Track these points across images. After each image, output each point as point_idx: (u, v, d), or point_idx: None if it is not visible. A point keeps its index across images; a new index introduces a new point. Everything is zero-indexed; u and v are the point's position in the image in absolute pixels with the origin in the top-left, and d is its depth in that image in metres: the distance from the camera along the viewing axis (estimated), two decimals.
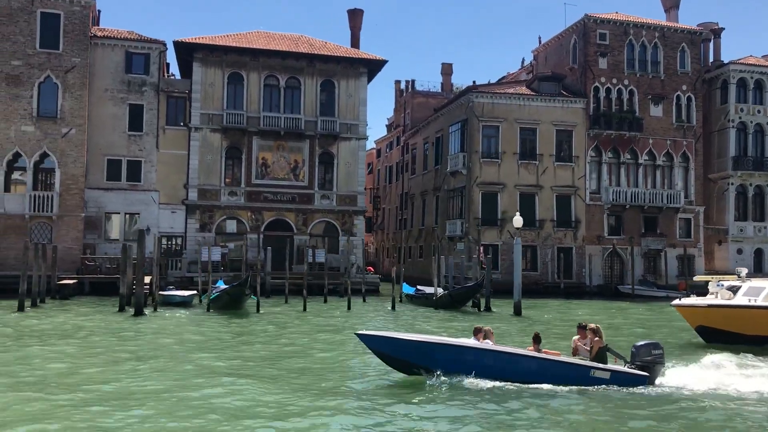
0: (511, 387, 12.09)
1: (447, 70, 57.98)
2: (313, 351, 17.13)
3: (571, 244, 43.43)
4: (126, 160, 39.74)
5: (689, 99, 46.19)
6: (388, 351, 12.95)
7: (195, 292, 30.72)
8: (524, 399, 11.49)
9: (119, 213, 39.59)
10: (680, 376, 13.51)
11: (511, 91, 44.41)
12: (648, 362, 12.70)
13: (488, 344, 13.02)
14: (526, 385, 12.16)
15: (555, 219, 43.26)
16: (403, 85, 60.45)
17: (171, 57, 63.16)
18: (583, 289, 42.50)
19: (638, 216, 44.59)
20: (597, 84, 44.48)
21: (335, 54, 43.07)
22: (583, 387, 12.26)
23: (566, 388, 12.16)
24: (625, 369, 12.78)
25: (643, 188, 44.57)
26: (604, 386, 12.35)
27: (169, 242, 40.27)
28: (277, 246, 38.74)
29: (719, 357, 15.76)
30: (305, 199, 42.24)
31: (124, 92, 39.73)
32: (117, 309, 25.65)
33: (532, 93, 44.17)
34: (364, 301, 31.18)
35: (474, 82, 58.59)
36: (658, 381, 12.90)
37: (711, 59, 48.76)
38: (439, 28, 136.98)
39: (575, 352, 13.44)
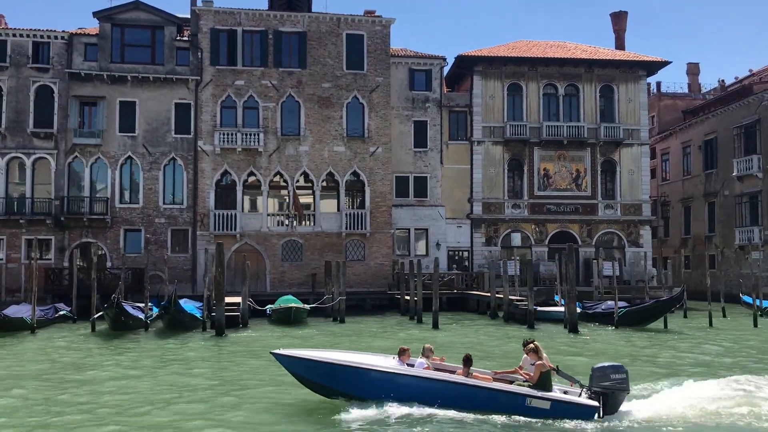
0: (432, 416, 10.49)
1: (693, 70, 54.93)
2: None
3: None
4: (413, 177, 40.01)
5: None
6: (303, 373, 11.72)
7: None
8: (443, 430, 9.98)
9: (408, 228, 39.89)
10: (651, 406, 11.21)
11: None
12: (606, 388, 10.59)
13: (404, 367, 11.39)
14: (451, 414, 10.55)
15: None
16: None
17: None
18: None
19: None
20: None
21: (615, 58, 41.60)
22: (517, 417, 10.53)
23: (498, 418, 10.51)
24: (570, 398, 10.87)
25: None
26: (542, 418, 10.48)
27: (457, 256, 40.13)
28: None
29: (717, 381, 13.20)
30: (588, 210, 40.94)
31: (409, 109, 40.05)
32: (526, 326, 25.24)
33: None
34: (725, 316, 29.25)
35: (720, 80, 55.35)
36: (622, 409, 10.76)
37: None
38: (674, 27, 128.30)
39: (519, 374, 11.48)
